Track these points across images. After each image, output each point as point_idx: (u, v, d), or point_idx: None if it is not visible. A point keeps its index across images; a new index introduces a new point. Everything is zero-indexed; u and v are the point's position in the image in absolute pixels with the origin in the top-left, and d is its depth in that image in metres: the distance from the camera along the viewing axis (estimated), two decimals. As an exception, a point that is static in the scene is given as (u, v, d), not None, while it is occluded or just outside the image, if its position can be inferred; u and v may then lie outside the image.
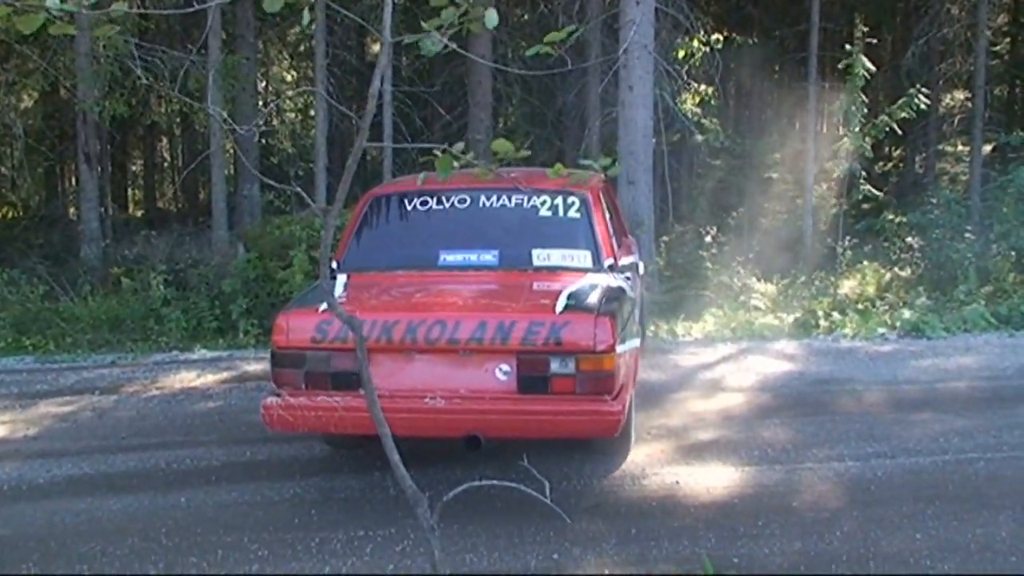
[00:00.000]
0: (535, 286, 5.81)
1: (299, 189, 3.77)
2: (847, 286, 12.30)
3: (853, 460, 6.30)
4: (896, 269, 12.92)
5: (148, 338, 10.27)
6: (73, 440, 7.02)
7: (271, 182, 4.80)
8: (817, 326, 10.37)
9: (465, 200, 6.44)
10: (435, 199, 6.46)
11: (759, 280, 12.46)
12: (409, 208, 6.50)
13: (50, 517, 5.59)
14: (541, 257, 6.12)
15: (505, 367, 5.21)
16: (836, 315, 10.61)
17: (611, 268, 6.13)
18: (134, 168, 26.96)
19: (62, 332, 10.32)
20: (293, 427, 5.37)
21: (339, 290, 5.83)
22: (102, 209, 15.62)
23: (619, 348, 5.27)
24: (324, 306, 5.24)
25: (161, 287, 10.89)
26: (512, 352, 5.18)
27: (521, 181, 6.18)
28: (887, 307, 11.06)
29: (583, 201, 6.37)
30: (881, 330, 10.09)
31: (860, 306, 11.09)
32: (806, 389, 8.02)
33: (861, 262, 13.27)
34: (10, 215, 23.50)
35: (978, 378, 8.30)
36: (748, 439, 6.73)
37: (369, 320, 5.13)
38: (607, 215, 6.68)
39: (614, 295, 5.67)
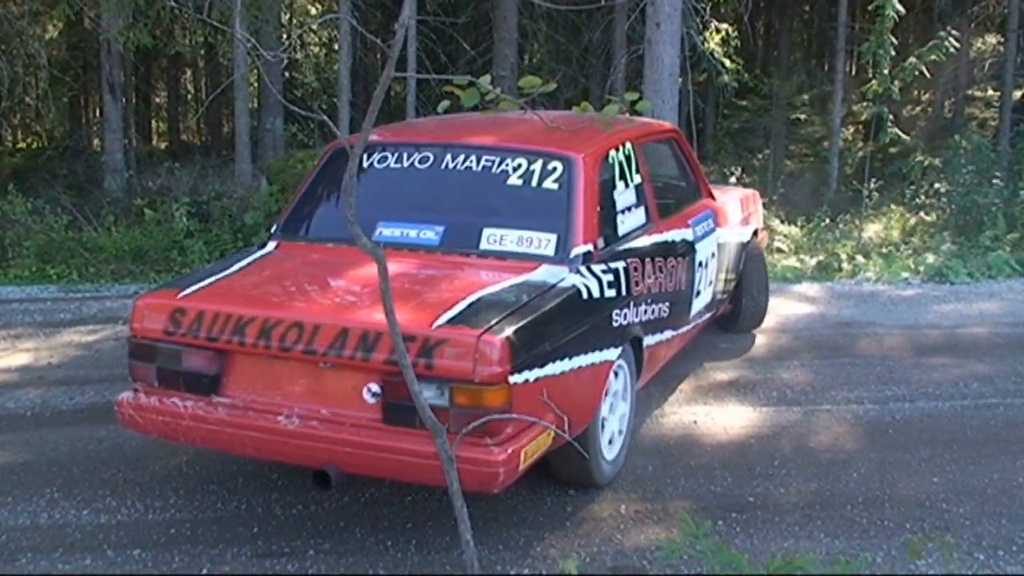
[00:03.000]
0: (456, 280, 4.69)
1: (325, 118, 3.75)
2: (871, 230, 12.22)
3: (872, 403, 6.30)
4: (922, 214, 12.81)
5: (171, 269, 10.31)
6: (95, 368, 7.08)
7: (297, 109, 4.64)
8: (840, 269, 10.32)
9: (428, 159, 5.34)
10: (395, 156, 5.42)
11: (782, 222, 12.38)
12: (366, 166, 5.41)
13: (73, 443, 5.66)
14: (492, 239, 4.96)
15: (375, 387, 4.18)
16: (859, 258, 10.56)
17: (586, 258, 4.88)
18: (158, 100, 26.94)
19: (86, 262, 10.37)
20: (145, 430, 4.61)
21: (243, 262, 5.11)
22: (126, 140, 15.64)
23: (521, 377, 4.10)
24: (187, 291, 4.62)
25: (184, 219, 10.91)
26: (377, 371, 4.15)
27: (554, 121, 5.28)
28: (911, 251, 11.00)
29: (568, 168, 5.09)
30: (904, 274, 10.04)
31: (884, 250, 11.03)
32: (826, 331, 8.01)
33: (887, 206, 13.17)
34: (35, 145, 23.59)
35: (1000, 324, 8.27)
36: (767, 380, 6.73)
37: (225, 312, 4.39)
38: (613, 185, 5.39)
39: (540, 304, 4.41)
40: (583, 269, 4.82)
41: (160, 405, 4.49)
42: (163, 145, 24.57)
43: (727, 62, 14.56)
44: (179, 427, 4.46)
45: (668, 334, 5.85)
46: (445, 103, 4.31)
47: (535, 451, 4.21)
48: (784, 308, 8.78)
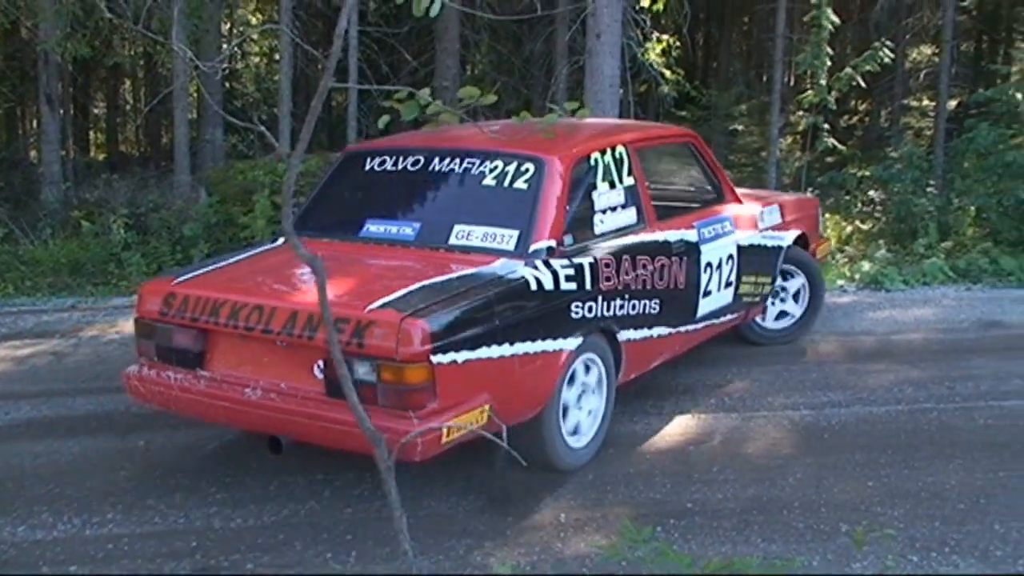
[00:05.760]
0: (412, 271, 5.05)
1: (263, 129, 3.74)
2: (808, 238, 12.36)
3: (808, 408, 6.39)
4: (857, 222, 13.00)
5: (108, 282, 10.20)
6: (32, 383, 6.99)
7: (236, 121, 4.75)
8: (777, 277, 10.42)
9: (418, 162, 5.77)
10: (392, 159, 5.86)
11: (722, 231, 12.50)
12: (366, 168, 5.94)
13: (8, 459, 5.59)
14: (460, 235, 5.31)
15: (323, 364, 4.63)
16: (797, 266, 10.67)
17: (548, 253, 5.17)
18: (96, 111, 26.61)
19: (22, 275, 10.23)
20: (146, 399, 5.21)
21: (244, 255, 5.75)
22: (63, 152, 15.42)
23: (446, 357, 4.46)
24: (181, 279, 5.20)
25: (122, 231, 10.81)
26: (320, 350, 4.56)
27: (499, 135, 5.55)
28: (847, 259, 11.16)
29: (539, 169, 5.39)
30: (840, 282, 10.18)
31: (820, 258, 11.16)
32: (765, 339, 8.08)
33: (823, 215, 13.34)
34: (-31, 157, 23.19)
35: (934, 330, 8.40)
36: (704, 387, 6.79)
37: (204, 297, 4.94)
38: (594, 186, 5.68)
39: (477, 292, 4.76)
40: (539, 263, 5.11)
41: (157, 377, 5.06)
42: (101, 156, 24.27)
43: (667, 73, 14.66)
44: (170, 397, 5.01)
45: (660, 331, 6.09)
46: (386, 118, 4.31)
47: (461, 427, 4.49)
48: (723, 316, 8.86)
